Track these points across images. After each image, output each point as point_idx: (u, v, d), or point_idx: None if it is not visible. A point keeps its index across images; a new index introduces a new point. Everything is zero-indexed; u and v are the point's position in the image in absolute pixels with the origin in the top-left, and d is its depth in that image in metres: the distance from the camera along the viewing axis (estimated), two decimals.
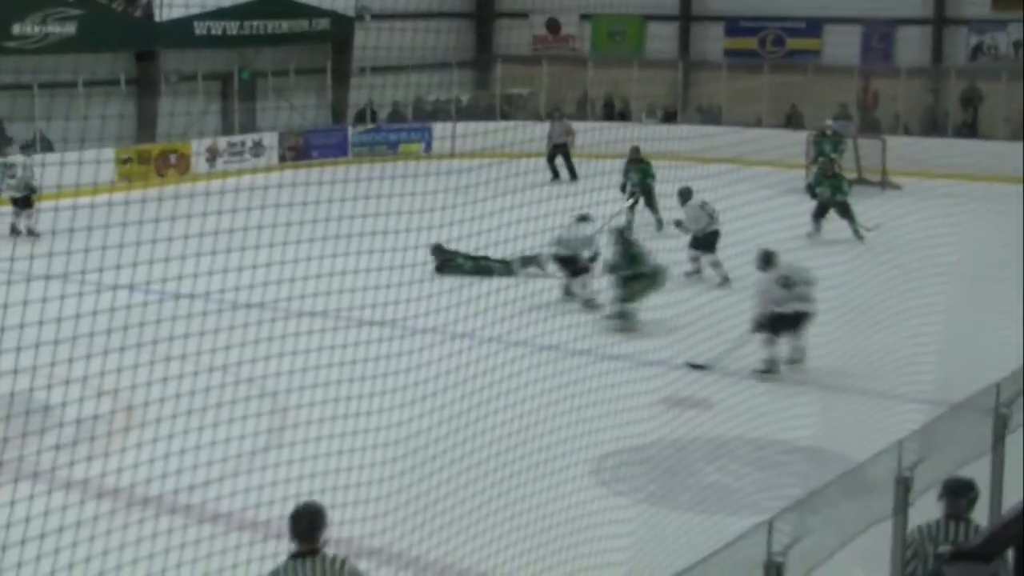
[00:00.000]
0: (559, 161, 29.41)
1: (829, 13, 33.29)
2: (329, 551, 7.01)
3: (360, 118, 33.43)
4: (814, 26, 34.34)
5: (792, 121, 32.60)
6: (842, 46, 33.54)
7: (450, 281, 18.01)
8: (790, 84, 33.27)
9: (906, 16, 32.93)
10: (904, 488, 6.85)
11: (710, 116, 33.80)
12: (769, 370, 14.36)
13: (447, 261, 19.42)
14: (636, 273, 16.62)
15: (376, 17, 31.69)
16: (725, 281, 18.76)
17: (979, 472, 7.94)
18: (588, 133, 27.84)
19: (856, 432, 11.65)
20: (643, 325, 16.19)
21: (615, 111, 34.91)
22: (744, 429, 12.20)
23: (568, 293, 17.58)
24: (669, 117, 33.92)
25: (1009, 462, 8.02)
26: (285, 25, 31.96)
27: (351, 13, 32.78)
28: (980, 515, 7.52)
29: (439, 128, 33.38)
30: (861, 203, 24.31)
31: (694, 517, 10.48)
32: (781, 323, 14.54)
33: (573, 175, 28.81)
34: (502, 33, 37.72)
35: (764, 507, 9.24)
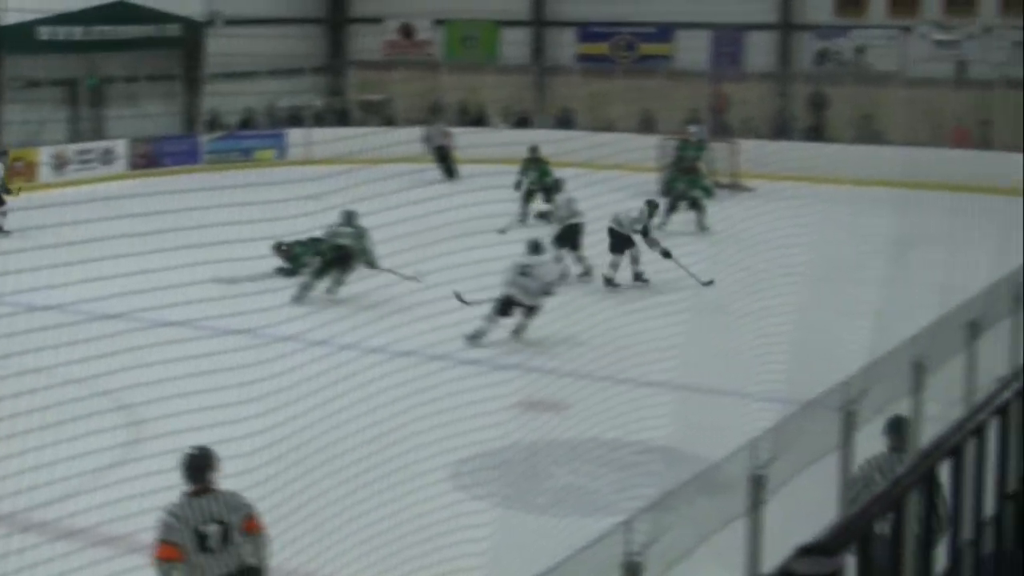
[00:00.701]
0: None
1: (680, 19, 33.77)
2: (219, 488, 7.72)
3: (212, 125, 33.04)
4: (665, 31, 34.81)
5: (645, 125, 33.01)
6: (693, 51, 34.05)
7: (305, 290, 17.95)
8: (643, 88, 33.65)
9: (754, 22, 33.54)
10: (758, 486, 7.00)
11: (564, 120, 34.09)
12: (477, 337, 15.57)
13: (291, 256, 19.18)
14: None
15: (228, 23, 31.37)
16: (586, 274, 19.19)
17: (828, 468, 8.15)
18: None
19: (710, 431, 11.83)
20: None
21: (470, 116, 35.01)
22: (599, 430, 12.31)
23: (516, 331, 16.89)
24: (523, 122, 34.12)
25: (858, 458, 8.25)
26: (134, 30, 31.34)
27: (202, 19, 32.36)
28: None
29: (293, 135, 33.15)
30: (713, 205, 24.75)
31: (551, 520, 10.57)
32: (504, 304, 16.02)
33: (451, 175, 28.89)
34: (355, 39, 37.58)
35: (620, 508, 9.36)
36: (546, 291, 16.36)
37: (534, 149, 24.70)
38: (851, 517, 2.28)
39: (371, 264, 18.02)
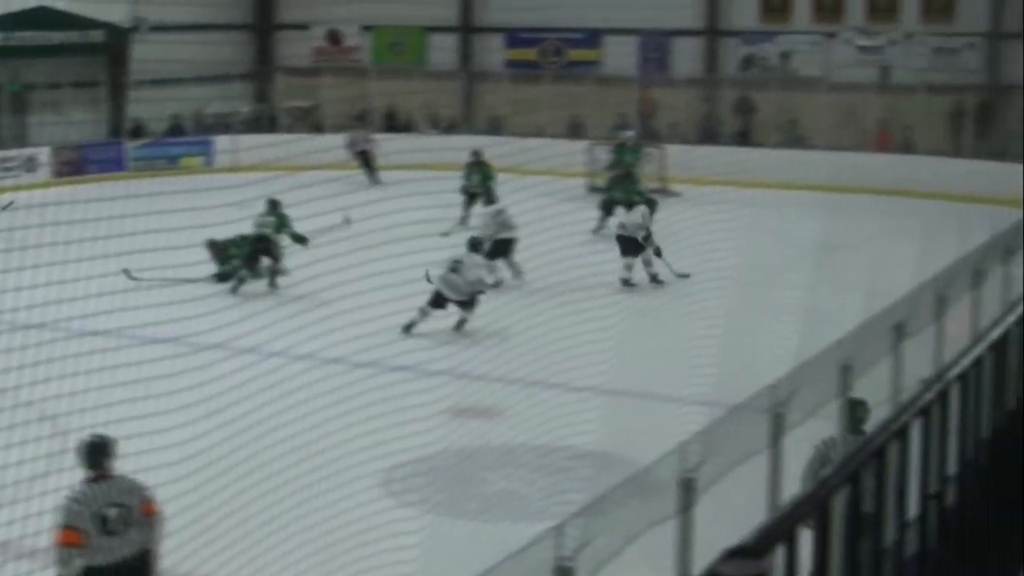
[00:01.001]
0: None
1: (607, 24, 33.90)
2: (116, 474, 8.13)
3: (138, 132, 32.72)
4: (593, 37, 34.93)
5: (573, 131, 33.10)
6: (620, 56, 34.18)
7: (235, 297, 17.85)
8: (571, 94, 33.75)
9: (680, 27, 33.73)
10: (687, 489, 7.05)
11: (492, 126, 34.12)
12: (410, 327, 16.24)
13: (222, 256, 19.24)
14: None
15: (153, 29, 31.07)
16: (519, 275, 19.29)
17: (758, 469, 8.22)
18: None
19: (639, 436, 11.88)
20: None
21: (398, 122, 34.93)
22: (529, 436, 12.33)
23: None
24: (452, 128, 34.11)
25: (785, 459, 8.32)
26: (57, 36, 30.93)
27: (127, 25, 32.03)
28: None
29: (220, 141, 32.92)
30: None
31: (482, 525, 10.57)
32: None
33: (374, 179, 28.87)
34: (283, 45, 37.39)
35: (551, 513, 9.37)
36: (475, 289, 16.67)
37: (476, 153, 25.04)
38: (777, 519, 2.29)
39: (298, 239, 18.62)
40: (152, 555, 8.21)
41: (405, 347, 15.63)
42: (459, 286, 16.66)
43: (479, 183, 24.46)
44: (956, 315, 11.21)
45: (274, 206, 18.90)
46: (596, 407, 13.05)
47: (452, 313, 16.69)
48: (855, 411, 9.13)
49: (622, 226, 20.43)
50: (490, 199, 23.42)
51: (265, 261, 19.14)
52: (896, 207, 25.99)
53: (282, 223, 18.99)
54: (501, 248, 19.75)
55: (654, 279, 19.66)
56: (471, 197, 24.30)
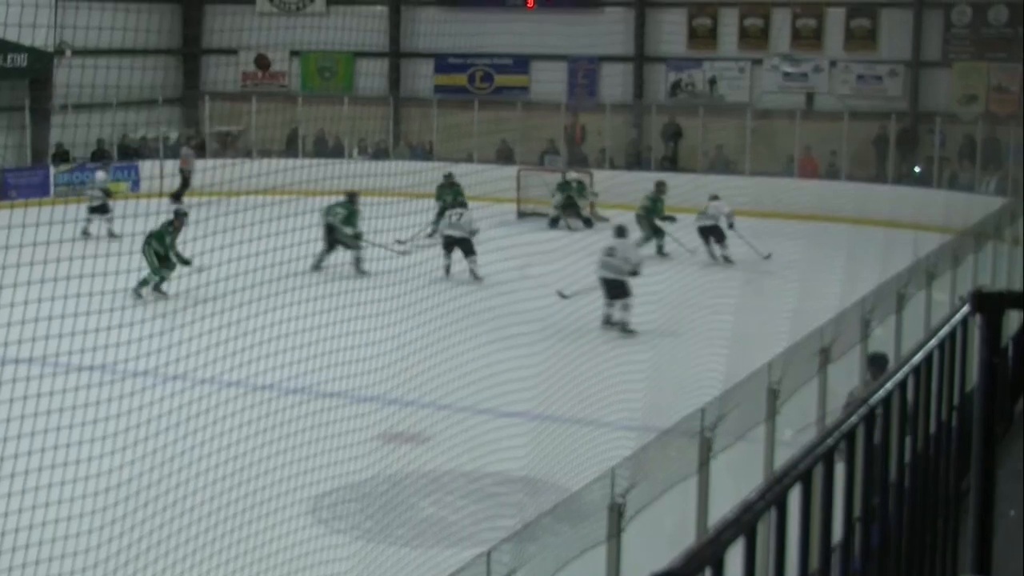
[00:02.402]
0: None
1: (535, 51, 34.07)
2: None
3: (62, 157, 32.37)
4: (521, 63, 35.08)
5: (503, 156, 33.19)
6: (549, 83, 34.37)
7: (161, 323, 17.69)
8: (500, 120, 33.86)
9: (609, 54, 33.97)
10: (617, 514, 7.06)
11: (421, 152, 34.12)
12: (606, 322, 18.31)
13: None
14: None
15: (77, 53, 30.76)
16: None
17: (687, 493, 8.25)
18: (299, 171, 27.77)
19: (568, 461, 11.89)
20: None
21: (327, 147, 34.84)
22: (459, 462, 12.31)
23: None
24: (380, 153, 34.08)
25: (714, 482, 8.35)
26: None
27: (50, 49, 31.70)
28: (745, 489, 7.77)
29: (146, 167, 32.66)
30: (568, 235, 24.96)
31: (412, 552, 10.53)
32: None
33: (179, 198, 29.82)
34: (210, 70, 37.21)
35: (481, 539, 9.36)
36: (634, 271, 18.57)
37: (449, 175, 26.73)
38: (704, 543, 2.31)
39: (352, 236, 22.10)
40: None
41: (336, 373, 15.56)
42: (620, 268, 18.47)
43: (452, 202, 25.38)
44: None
45: (352, 199, 22.80)
46: (525, 433, 13.05)
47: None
48: (875, 363, 10.32)
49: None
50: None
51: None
52: (821, 232, 26.26)
53: (349, 216, 22.58)
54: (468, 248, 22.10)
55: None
56: (441, 213, 25.08)
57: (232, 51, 36.51)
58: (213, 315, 15.79)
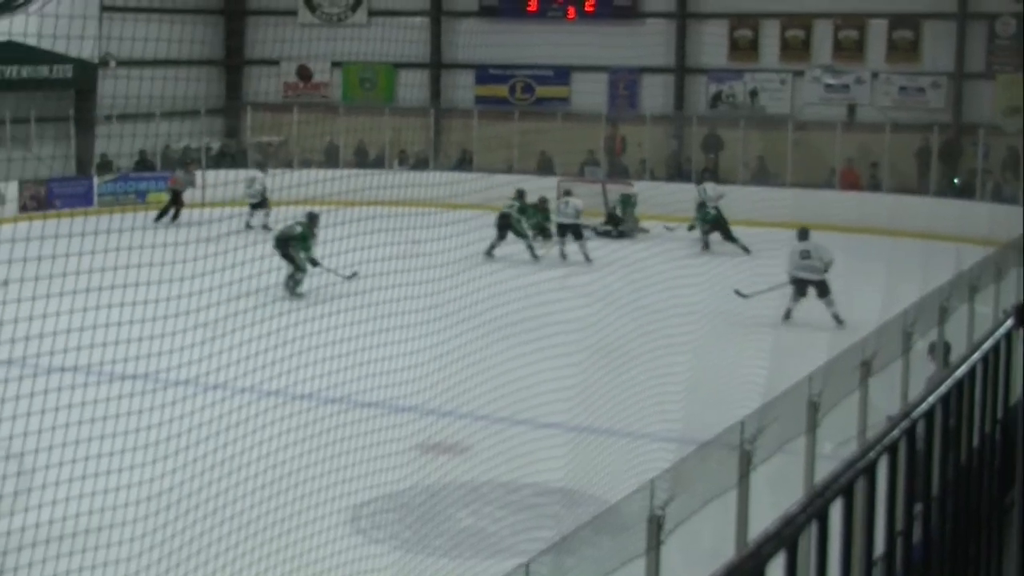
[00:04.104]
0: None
1: (576, 62, 34.07)
2: None
3: (106, 167, 32.61)
4: (562, 74, 35.09)
5: (543, 167, 33.20)
6: (589, 94, 34.36)
7: (202, 332, 17.77)
8: (540, 131, 33.87)
9: (649, 65, 33.92)
10: (656, 526, 7.03)
11: (462, 162, 34.17)
12: (787, 317, 19.81)
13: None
14: None
15: (121, 64, 30.99)
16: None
17: (726, 505, 8.22)
18: (338, 181, 27.85)
19: (607, 473, 11.87)
20: None
21: (367, 158, 34.95)
22: (497, 473, 12.30)
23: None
24: (421, 164, 34.15)
25: (753, 495, 8.32)
26: (25, 71, 30.91)
27: (95, 60, 31.98)
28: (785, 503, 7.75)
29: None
30: (608, 245, 24.96)
31: (450, 562, 10.53)
32: (798, 284, 19.99)
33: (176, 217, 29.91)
34: (252, 81, 37.40)
35: (519, 550, 9.36)
36: (827, 268, 19.83)
37: (521, 193, 26.52)
38: (744, 556, 2.30)
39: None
40: None
41: (375, 383, 15.60)
42: (818, 267, 19.83)
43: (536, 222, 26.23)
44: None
45: (520, 195, 25.77)
46: (564, 444, 13.05)
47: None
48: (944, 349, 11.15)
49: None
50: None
51: None
52: (862, 244, 26.13)
53: (523, 210, 25.65)
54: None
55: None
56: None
57: (274, 62, 36.68)
58: (253, 324, 15.95)
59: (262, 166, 32.11)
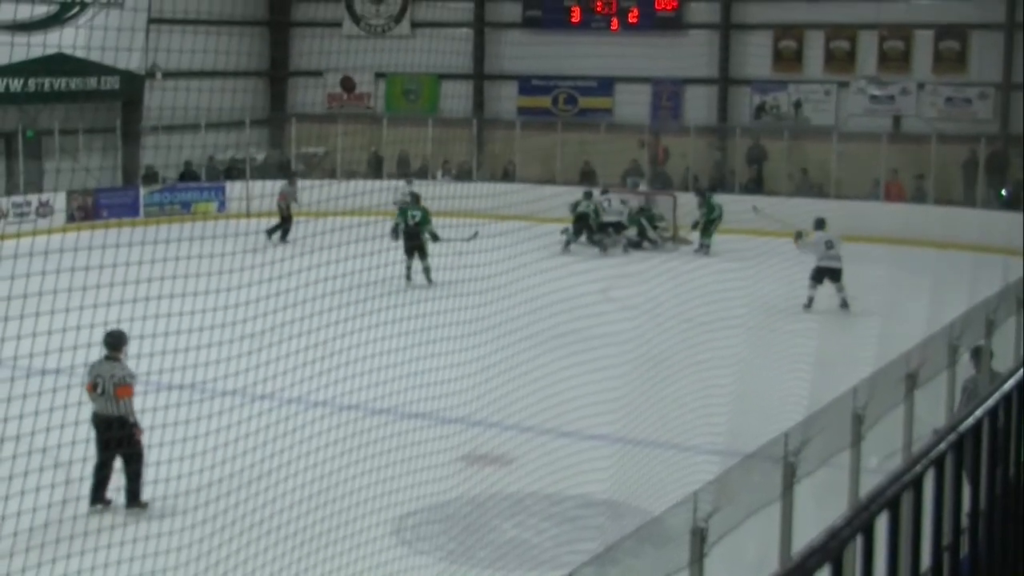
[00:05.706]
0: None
1: (620, 73, 34.07)
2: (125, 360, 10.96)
3: (151, 178, 32.85)
4: (605, 85, 35.10)
5: (586, 178, 33.20)
6: (633, 105, 34.35)
7: (249, 343, 17.87)
8: (583, 141, 33.89)
9: (693, 76, 33.90)
10: (700, 539, 7.03)
11: (505, 173, 34.22)
12: (808, 306, 21.15)
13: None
14: None
15: (167, 75, 31.25)
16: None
17: (770, 518, 8.20)
18: (384, 192, 27.98)
19: (651, 485, 11.86)
20: None
21: (410, 169, 35.06)
22: (541, 484, 12.31)
23: None
24: (464, 175, 34.22)
25: (797, 508, 8.30)
26: (73, 83, 31.18)
27: (142, 71, 32.24)
28: (829, 516, 7.74)
29: (233, 187, 33.06)
30: (652, 257, 24.94)
31: (494, 574, 10.55)
32: (821, 273, 21.50)
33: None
34: (297, 92, 37.61)
35: (563, 562, 9.37)
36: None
37: (589, 193, 28.55)
38: (789, 570, 2.32)
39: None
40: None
41: (420, 395, 15.66)
42: (839, 255, 21.41)
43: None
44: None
45: (588, 196, 27.87)
46: (607, 456, 13.05)
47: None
48: (985, 356, 11.21)
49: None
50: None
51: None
52: (907, 256, 26.00)
53: (596, 211, 27.79)
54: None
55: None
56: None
57: (318, 73, 36.88)
58: (300, 335, 16.04)
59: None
